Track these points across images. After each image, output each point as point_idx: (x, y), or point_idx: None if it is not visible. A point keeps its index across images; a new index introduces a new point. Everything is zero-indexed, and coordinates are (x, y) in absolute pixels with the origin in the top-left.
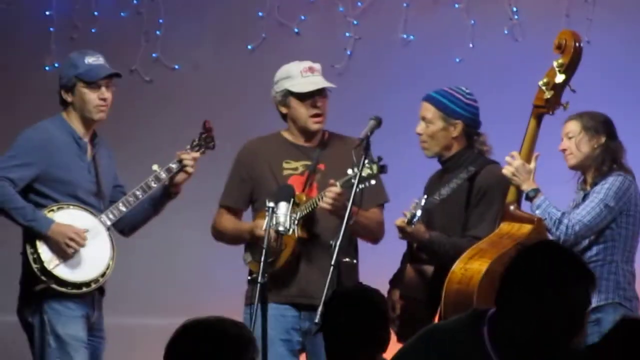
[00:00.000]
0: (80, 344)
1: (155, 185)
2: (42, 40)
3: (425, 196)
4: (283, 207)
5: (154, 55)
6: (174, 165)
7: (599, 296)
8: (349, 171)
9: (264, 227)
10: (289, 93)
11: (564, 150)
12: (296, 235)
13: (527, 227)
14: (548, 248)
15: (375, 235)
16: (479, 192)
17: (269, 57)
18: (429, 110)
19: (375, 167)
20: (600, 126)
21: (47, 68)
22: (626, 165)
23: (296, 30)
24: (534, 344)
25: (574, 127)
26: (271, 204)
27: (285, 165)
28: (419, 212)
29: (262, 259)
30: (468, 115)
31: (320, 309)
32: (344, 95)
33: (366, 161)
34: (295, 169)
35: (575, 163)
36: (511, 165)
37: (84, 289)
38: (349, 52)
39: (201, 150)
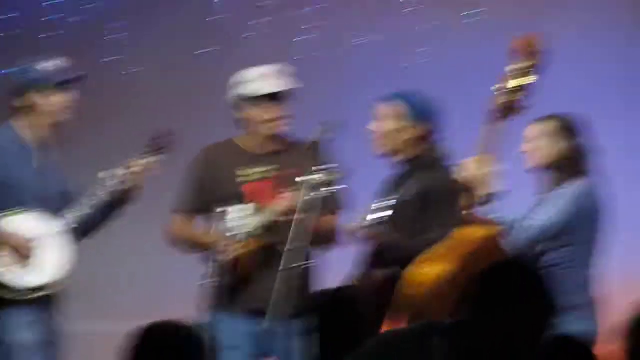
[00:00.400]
0: (26, 351)
1: (101, 192)
2: None
3: (381, 200)
4: (235, 212)
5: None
6: (121, 172)
7: (570, 297)
8: (301, 178)
9: (218, 230)
10: (245, 97)
11: (525, 152)
12: (252, 243)
13: (481, 231)
14: (519, 266)
15: (329, 243)
16: (435, 196)
17: (221, 63)
18: (388, 109)
19: (331, 174)
20: (564, 129)
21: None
22: (591, 168)
23: (246, 35)
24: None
25: (536, 130)
26: (220, 210)
27: (240, 172)
28: (374, 216)
29: (217, 261)
30: (427, 119)
31: (270, 312)
32: (298, 98)
33: (323, 168)
34: (250, 175)
35: (535, 166)
36: (467, 170)
37: (32, 295)
38: (302, 55)
39: (152, 157)
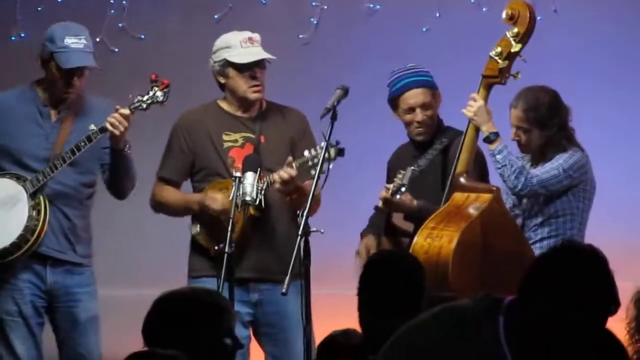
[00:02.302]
0: (13, 318)
1: (84, 145)
2: (8, 10)
3: (412, 168)
4: (250, 177)
5: (120, 25)
6: (106, 124)
7: None
8: (306, 153)
9: (230, 196)
10: (227, 63)
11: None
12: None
13: (485, 197)
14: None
15: (314, 209)
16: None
17: (236, 27)
18: (424, 94)
19: (333, 150)
20: (548, 114)
21: (12, 38)
22: (578, 142)
23: (263, 0)
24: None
25: (521, 121)
26: (238, 174)
27: (225, 137)
28: (406, 182)
29: (229, 228)
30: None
31: (287, 278)
32: (310, 64)
33: (323, 144)
34: (235, 141)
35: (529, 153)
36: (472, 106)
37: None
38: (315, 22)
39: (145, 106)
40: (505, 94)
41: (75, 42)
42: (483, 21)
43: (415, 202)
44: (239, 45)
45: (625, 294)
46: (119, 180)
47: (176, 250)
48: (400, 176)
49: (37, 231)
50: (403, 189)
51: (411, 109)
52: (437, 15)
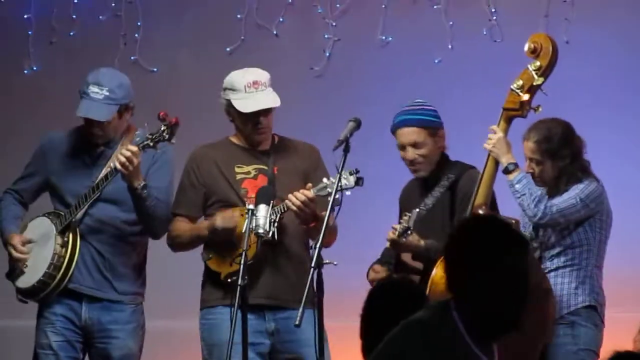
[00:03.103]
0: (45, 351)
1: (102, 184)
2: (21, 43)
3: (418, 210)
4: (263, 210)
5: (132, 58)
6: (115, 162)
7: (575, 299)
8: (325, 180)
9: (243, 229)
10: (232, 105)
11: (530, 172)
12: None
13: None
14: (480, 223)
15: (331, 238)
16: (463, 199)
17: (248, 59)
18: (416, 133)
19: (352, 178)
20: (560, 145)
21: (25, 71)
22: (593, 173)
23: (275, 32)
24: (491, 321)
25: (534, 152)
26: (251, 207)
27: (237, 169)
28: (411, 224)
29: (242, 261)
30: (441, 121)
31: (300, 310)
32: (323, 96)
33: (343, 171)
34: (248, 172)
35: (542, 185)
36: (492, 138)
37: (34, 297)
38: (327, 54)
39: (152, 144)
40: (525, 126)
41: (95, 93)
42: (495, 53)
43: (422, 242)
44: (243, 90)
45: None
46: (144, 220)
47: (186, 283)
48: (406, 218)
49: (64, 267)
50: (409, 232)
51: (402, 147)
52: (450, 47)
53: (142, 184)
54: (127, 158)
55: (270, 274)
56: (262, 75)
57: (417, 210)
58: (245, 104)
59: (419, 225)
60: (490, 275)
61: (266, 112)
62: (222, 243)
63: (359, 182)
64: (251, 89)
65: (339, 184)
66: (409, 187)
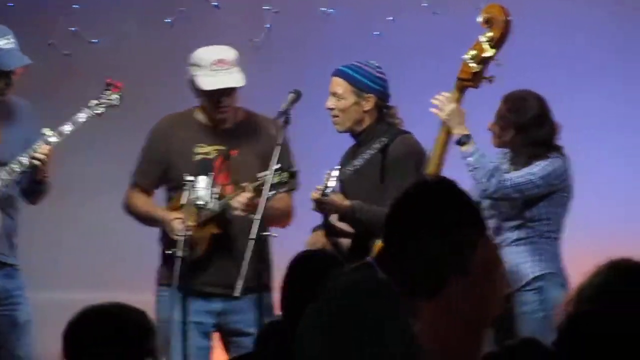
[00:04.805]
0: None
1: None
2: None
3: (339, 167)
4: (202, 181)
5: (72, 29)
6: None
7: (540, 265)
8: (262, 174)
9: (182, 201)
10: (195, 82)
11: (490, 130)
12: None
13: None
14: (435, 188)
15: (284, 222)
16: (393, 163)
17: (188, 31)
18: (340, 85)
19: (286, 174)
20: (531, 124)
21: None
22: (559, 146)
23: (215, 3)
24: (416, 284)
25: (503, 119)
26: (190, 178)
27: (198, 149)
28: (332, 183)
29: (184, 232)
30: (379, 88)
31: (240, 281)
32: (263, 68)
33: (278, 166)
34: (208, 153)
35: (499, 147)
36: (444, 107)
37: None
38: (268, 26)
39: (98, 108)
40: (479, 97)
41: (6, 43)
42: (436, 24)
43: (347, 202)
44: (208, 67)
45: None
46: (31, 198)
47: (144, 257)
48: (326, 176)
49: None
50: (329, 190)
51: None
52: (391, 19)
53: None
54: (46, 154)
55: (219, 264)
56: (230, 54)
57: (338, 168)
58: (207, 81)
59: (348, 186)
60: (426, 237)
61: (229, 91)
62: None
63: (292, 176)
64: (216, 67)
65: (278, 178)
66: (347, 150)
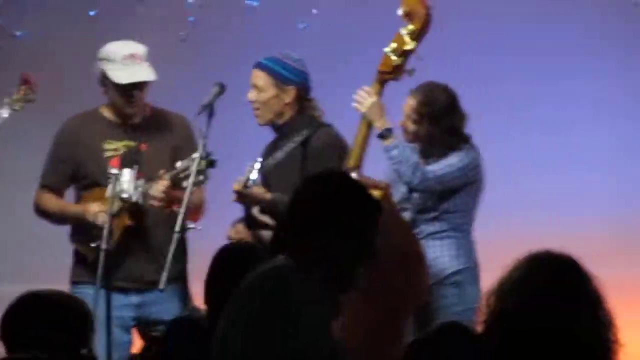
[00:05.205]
0: None
1: None
2: None
3: (260, 159)
4: (127, 174)
5: None
6: None
7: (458, 260)
8: (179, 164)
9: (107, 193)
10: (107, 76)
11: (402, 126)
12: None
13: (374, 194)
14: (331, 181)
15: (196, 215)
16: (314, 155)
17: (112, 24)
18: (260, 78)
19: (204, 162)
20: (441, 113)
21: None
22: (468, 136)
23: None
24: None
25: (414, 112)
26: (115, 171)
27: (106, 146)
28: (253, 175)
29: (106, 225)
30: (300, 81)
31: (165, 273)
32: (187, 61)
33: (195, 155)
34: (117, 149)
35: (411, 142)
36: (364, 99)
37: None
38: (192, 19)
39: (17, 104)
40: (401, 89)
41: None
42: (359, 18)
43: (268, 195)
44: (119, 61)
45: None
46: None
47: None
48: (248, 168)
49: None
50: (250, 182)
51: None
52: (315, 11)
53: None
54: None
55: (134, 257)
56: (140, 49)
57: (260, 160)
58: (121, 75)
59: (270, 179)
60: (327, 232)
61: (141, 85)
62: (88, 226)
63: (211, 164)
64: (127, 61)
65: (196, 166)
66: (269, 143)
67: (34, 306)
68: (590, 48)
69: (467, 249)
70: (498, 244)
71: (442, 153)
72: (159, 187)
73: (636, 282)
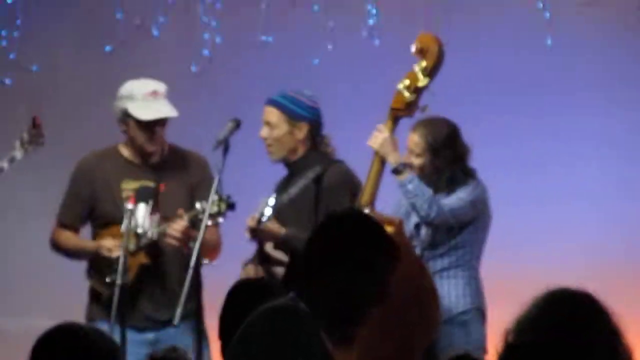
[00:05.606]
0: None
1: None
2: None
3: (274, 195)
4: (142, 209)
5: (11, 56)
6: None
7: (464, 300)
8: (197, 205)
9: (122, 228)
10: (128, 114)
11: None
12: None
13: (388, 230)
14: (351, 221)
15: (212, 254)
16: (327, 191)
17: (128, 59)
18: (273, 114)
19: (223, 205)
20: (444, 146)
21: None
22: (473, 169)
23: (154, 32)
24: (333, 316)
25: (417, 146)
26: (130, 206)
27: (124, 186)
28: (267, 211)
29: (121, 260)
30: (312, 117)
31: (178, 309)
32: (202, 97)
33: (215, 198)
34: (135, 190)
35: (423, 177)
36: (377, 137)
37: None
38: (207, 53)
39: (29, 147)
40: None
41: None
42: (375, 53)
43: (282, 231)
44: (141, 99)
45: None
46: None
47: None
48: (262, 204)
49: None
50: (264, 218)
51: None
52: (330, 47)
53: None
54: None
55: (149, 296)
56: (161, 87)
57: (274, 196)
58: (145, 112)
59: (283, 215)
60: (340, 271)
61: (162, 122)
62: (103, 263)
63: (230, 207)
64: (150, 98)
65: (215, 208)
66: (281, 179)
67: (66, 338)
68: (597, 84)
69: (474, 287)
70: (502, 275)
71: (450, 186)
72: (177, 227)
73: None
